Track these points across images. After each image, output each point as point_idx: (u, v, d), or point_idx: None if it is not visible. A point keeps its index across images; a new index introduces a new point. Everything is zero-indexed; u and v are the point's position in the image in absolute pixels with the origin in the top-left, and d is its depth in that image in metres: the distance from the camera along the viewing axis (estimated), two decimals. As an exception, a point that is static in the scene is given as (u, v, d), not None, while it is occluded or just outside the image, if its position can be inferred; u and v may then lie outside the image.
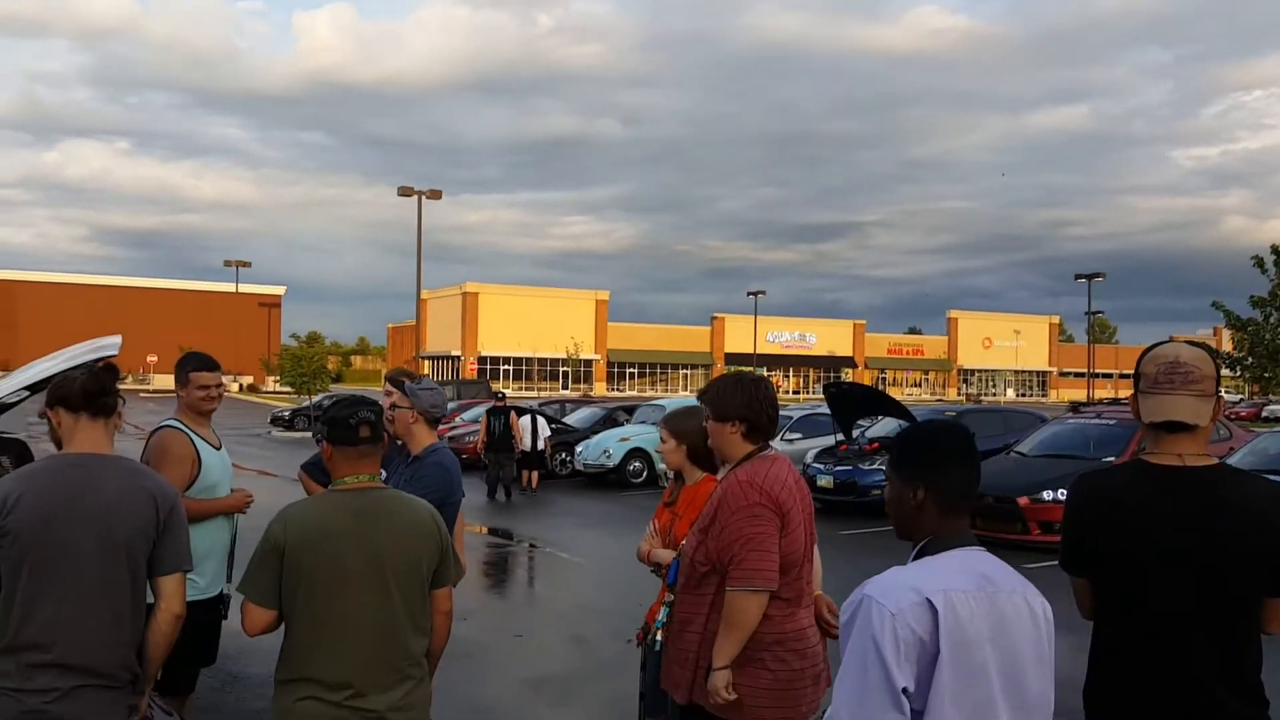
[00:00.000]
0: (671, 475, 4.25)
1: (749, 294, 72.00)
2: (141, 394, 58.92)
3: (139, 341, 62.67)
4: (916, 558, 2.23)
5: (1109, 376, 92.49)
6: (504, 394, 19.53)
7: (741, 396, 3.48)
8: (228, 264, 76.23)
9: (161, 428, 4.47)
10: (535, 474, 18.48)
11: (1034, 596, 2.22)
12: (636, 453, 19.61)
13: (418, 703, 3.07)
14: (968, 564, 2.17)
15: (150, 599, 3.06)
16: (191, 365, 4.58)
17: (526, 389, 72.38)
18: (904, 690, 2.02)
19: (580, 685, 6.86)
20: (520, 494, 18.00)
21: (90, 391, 3.01)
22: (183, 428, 4.49)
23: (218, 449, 4.62)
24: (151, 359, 65.06)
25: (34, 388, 3.20)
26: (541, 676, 7.03)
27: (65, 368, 3.10)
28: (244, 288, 79.89)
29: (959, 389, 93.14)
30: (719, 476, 3.63)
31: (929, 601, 2.05)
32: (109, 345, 3.19)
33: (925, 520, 2.24)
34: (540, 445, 18.46)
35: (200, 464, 4.43)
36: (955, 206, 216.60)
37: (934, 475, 2.23)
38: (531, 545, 12.69)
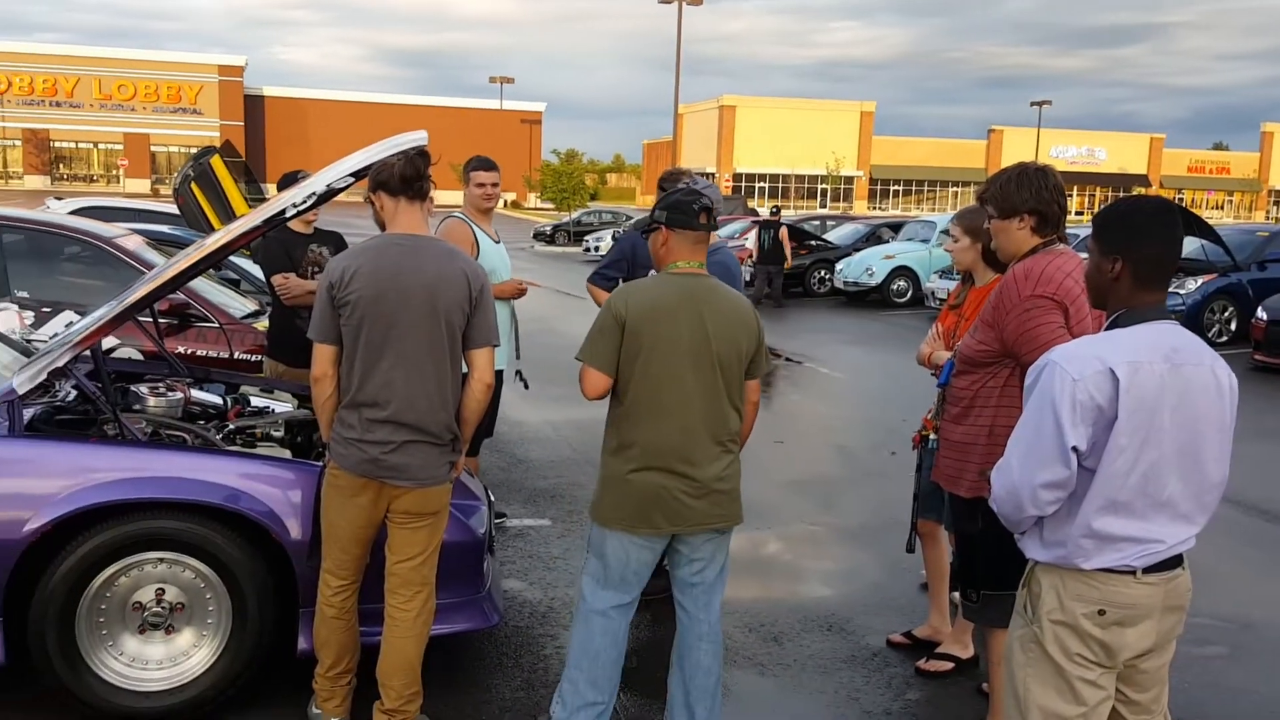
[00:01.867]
0: (955, 279, 4.21)
1: (1032, 104, 67.25)
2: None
3: (412, 158, 66.13)
4: (1109, 328, 2.39)
5: None
6: (779, 208, 19.65)
7: (1029, 188, 3.35)
8: (492, 80, 78.69)
9: (447, 218, 5.21)
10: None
11: (1222, 369, 2.38)
12: (902, 271, 19.18)
13: (734, 477, 3.35)
14: (1158, 337, 2.32)
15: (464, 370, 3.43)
16: (471, 165, 5.29)
17: (783, 206, 71.43)
18: (1074, 449, 2.26)
19: (844, 489, 7.08)
20: (777, 305, 18.58)
21: (407, 176, 3.32)
22: (464, 218, 5.18)
23: (496, 243, 5.19)
24: (425, 174, 68.83)
25: (357, 174, 3.55)
26: (804, 479, 7.30)
27: (384, 155, 3.40)
28: (507, 104, 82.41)
29: (1268, 212, 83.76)
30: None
31: (1111, 371, 2.25)
32: (419, 137, 3.48)
33: (1120, 292, 2.38)
34: None
35: (479, 250, 5.04)
36: (1277, 3, 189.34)
37: (1132, 247, 2.35)
38: (790, 359, 12.89)
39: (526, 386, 5.44)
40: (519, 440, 8.03)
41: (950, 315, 4.15)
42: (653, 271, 3.45)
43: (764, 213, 23.47)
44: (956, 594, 3.71)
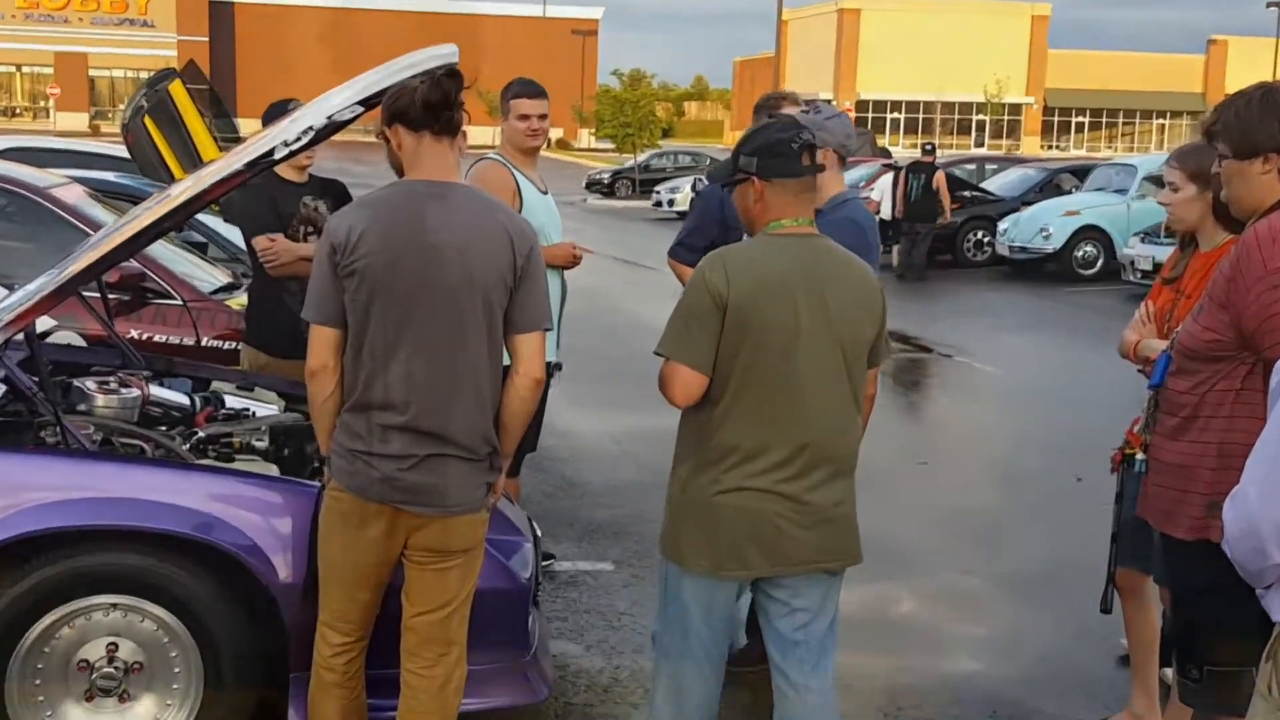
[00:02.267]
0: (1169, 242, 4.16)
1: (1269, 5, 65.84)
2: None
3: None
4: None
5: None
6: (933, 145, 19.55)
7: (1276, 117, 3.30)
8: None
9: (479, 160, 5.22)
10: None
11: None
12: (1089, 232, 19.03)
13: (852, 501, 3.37)
14: None
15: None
16: (512, 91, 5.27)
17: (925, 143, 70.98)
18: None
19: (1009, 526, 7.05)
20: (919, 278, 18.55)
21: (433, 103, 3.34)
22: (502, 160, 5.21)
23: (544, 193, 5.24)
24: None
25: (367, 102, 3.60)
26: (954, 513, 7.26)
27: (402, 76, 3.44)
28: (551, 11, 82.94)
29: None
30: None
31: None
32: (447, 52, 3.51)
33: None
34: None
35: (522, 202, 5.02)
36: None
37: None
38: (937, 351, 12.81)
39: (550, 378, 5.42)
40: (569, 457, 8.10)
41: (1165, 291, 4.11)
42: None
43: (899, 154, 23.34)
44: (1170, 670, 3.67)
